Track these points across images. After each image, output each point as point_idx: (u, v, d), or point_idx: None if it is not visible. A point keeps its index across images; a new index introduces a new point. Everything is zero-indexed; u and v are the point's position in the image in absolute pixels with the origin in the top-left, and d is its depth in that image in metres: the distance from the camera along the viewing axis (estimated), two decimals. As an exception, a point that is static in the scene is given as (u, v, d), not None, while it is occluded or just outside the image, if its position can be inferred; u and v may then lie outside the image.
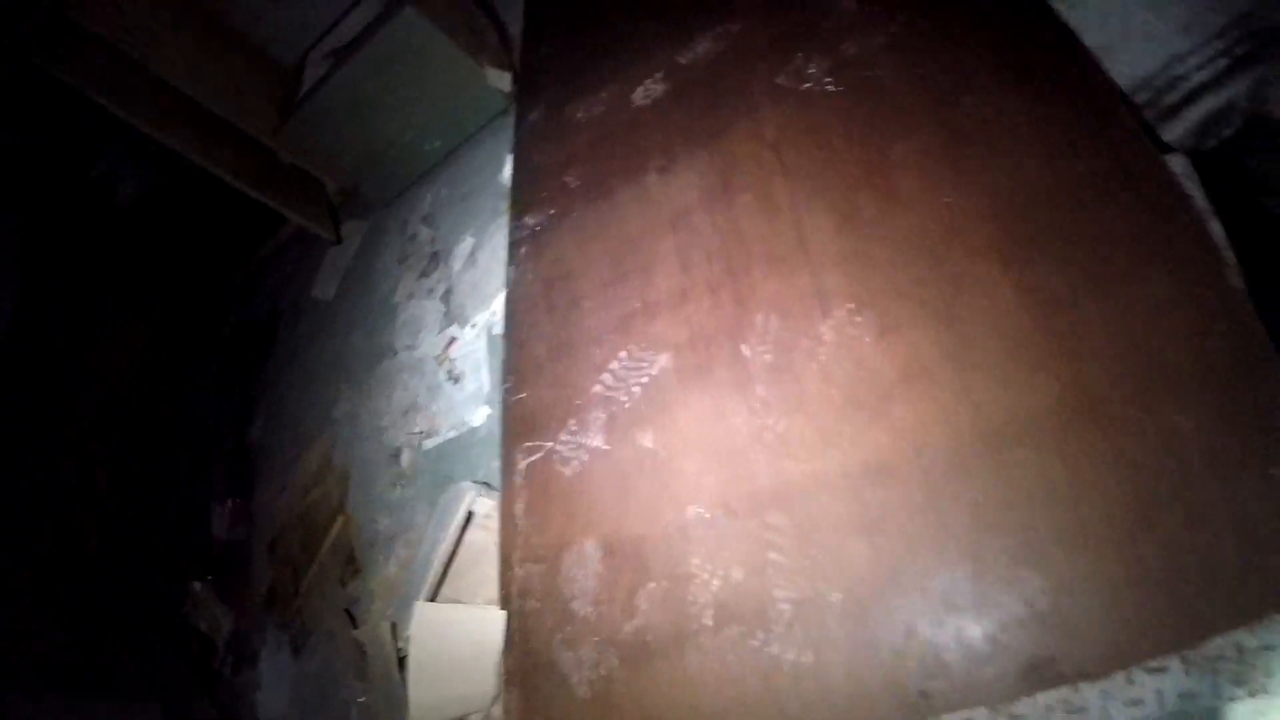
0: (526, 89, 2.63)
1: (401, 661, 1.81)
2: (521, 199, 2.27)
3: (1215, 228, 1.32)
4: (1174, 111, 1.64)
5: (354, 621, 2.19)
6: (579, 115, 2.27)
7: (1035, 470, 1.21)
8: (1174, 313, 1.24)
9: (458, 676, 1.71)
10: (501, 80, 2.80)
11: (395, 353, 2.57)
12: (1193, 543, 1.09)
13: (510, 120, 2.61)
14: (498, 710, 1.73)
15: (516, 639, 1.62)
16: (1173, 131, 1.64)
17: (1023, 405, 1.26)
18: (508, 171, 2.47)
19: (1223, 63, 1.62)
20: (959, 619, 1.18)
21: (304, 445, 2.71)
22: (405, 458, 2.31)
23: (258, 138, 3.15)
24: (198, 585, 2.89)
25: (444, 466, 2.19)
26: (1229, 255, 1.28)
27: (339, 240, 3.30)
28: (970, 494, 1.24)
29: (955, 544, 1.22)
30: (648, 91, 2.14)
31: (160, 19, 2.86)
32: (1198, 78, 1.62)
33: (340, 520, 2.47)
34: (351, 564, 2.39)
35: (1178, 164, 1.43)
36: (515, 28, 3.03)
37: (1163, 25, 1.67)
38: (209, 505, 2.96)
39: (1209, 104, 1.63)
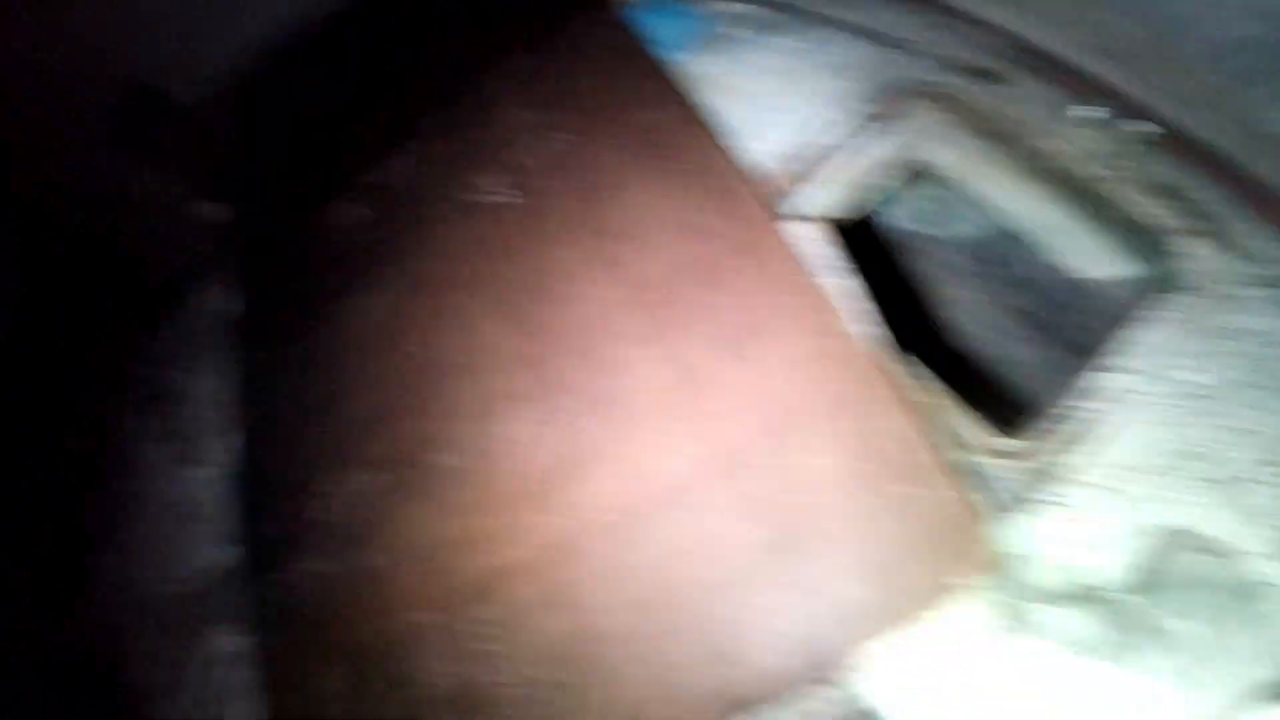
0: (243, 221, 2.65)
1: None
2: (244, 331, 2.31)
3: (841, 281, 1.57)
4: (816, 177, 1.83)
5: None
6: (291, 240, 2.33)
7: (694, 528, 1.40)
8: (803, 363, 1.47)
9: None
10: (217, 213, 2.79)
11: (128, 504, 2.50)
12: (855, 555, 1.30)
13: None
14: None
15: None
16: (814, 197, 1.83)
17: (676, 471, 1.45)
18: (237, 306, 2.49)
19: (860, 126, 1.85)
20: (655, 674, 1.34)
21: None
22: (168, 609, 2.26)
23: None
24: None
25: (192, 614, 2.16)
26: (855, 304, 1.52)
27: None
28: (641, 556, 1.41)
29: (633, 604, 1.39)
30: (346, 212, 2.22)
31: None
32: (840, 142, 1.85)
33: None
34: None
35: (807, 230, 1.69)
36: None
37: (806, 99, 1.91)
38: None
39: (853, 165, 1.85)
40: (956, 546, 1.27)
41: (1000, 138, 1.75)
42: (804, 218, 1.74)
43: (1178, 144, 1.58)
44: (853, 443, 1.37)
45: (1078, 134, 1.65)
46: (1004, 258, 2.36)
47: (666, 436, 1.49)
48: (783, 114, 1.93)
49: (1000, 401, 2.91)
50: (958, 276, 2.66)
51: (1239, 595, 1.25)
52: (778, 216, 1.67)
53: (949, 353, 2.83)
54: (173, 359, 2.65)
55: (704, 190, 1.75)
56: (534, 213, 1.91)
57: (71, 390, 2.84)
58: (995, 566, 1.26)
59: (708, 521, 1.40)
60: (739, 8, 2.20)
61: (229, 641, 1.93)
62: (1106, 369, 1.42)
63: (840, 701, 1.28)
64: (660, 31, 2.21)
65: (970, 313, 2.76)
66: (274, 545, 1.87)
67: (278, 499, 1.92)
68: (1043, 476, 1.37)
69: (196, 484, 2.32)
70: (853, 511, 1.33)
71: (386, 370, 1.87)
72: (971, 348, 2.83)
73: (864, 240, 2.75)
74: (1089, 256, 1.70)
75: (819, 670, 1.27)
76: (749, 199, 1.70)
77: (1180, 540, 1.30)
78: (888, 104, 1.87)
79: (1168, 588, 1.28)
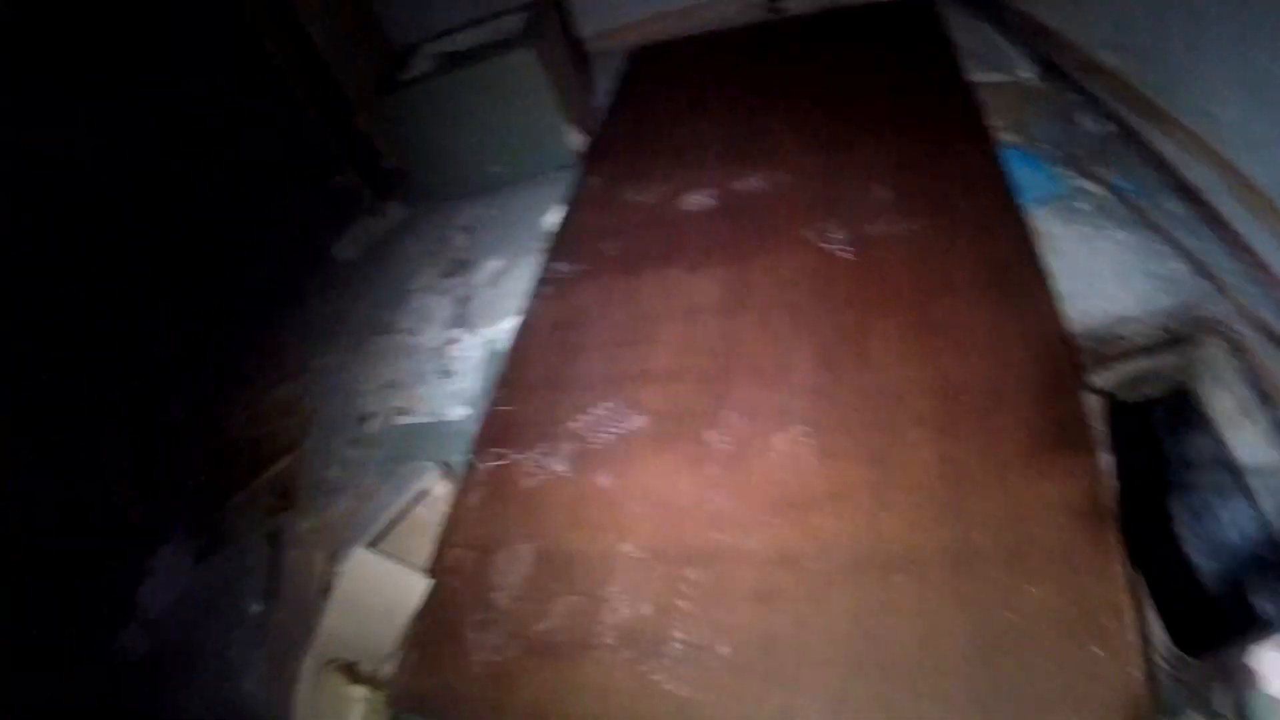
0: (594, 157, 2.96)
1: (324, 592, 1.98)
2: (561, 247, 2.57)
3: (1106, 458, 1.64)
4: (1107, 362, 1.95)
5: (273, 548, 2.35)
6: (632, 197, 2.60)
7: (914, 596, 1.49)
8: (1052, 507, 1.54)
9: (371, 622, 1.89)
10: (577, 141, 3.13)
11: (396, 332, 2.79)
12: (1023, 688, 1.34)
13: (567, 177, 2.92)
14: (387, 668, 1.90)
15: (433, 608, 1.83)
16: (1103, 378, 1.94)
17: (917, 544, 1.55)
18: (550, 218, 2.77)
19: (1161, 335, 1.95)
20: (819, 696, 1.42)
21: (280, 379, 2.88)
22: (374, 424, 2.51)
23: (345, 93, 3.47)
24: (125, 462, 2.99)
25: (408, 444, 2.39)
26: (1112, 480, 1.58)
27: (379, 211, 3.55)
28: (855, 597, 1.51)
29: (832, 632, 1.49)
30: (697, 201, 2.48)
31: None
32: (1137, 342, 1.95)
33: (291, 456, 2.64)
34: (284, 499, 2.54)
35: (1092, 400, 1.78)
36: (600, 101, 3.39)
37: (1120, 292, 2.03)
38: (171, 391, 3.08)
39: (1140, 365, 1.97)
40: (1113, 713, 1.29)
41: (1269, 399, 1.80)
42: (1095, 396, 1.83)
43: None
44: (1067, 590, 1.43)
45: None
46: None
47: (920, 513, 1.59)
48: (1098, 295, 2.02)
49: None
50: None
51: None
52: (1081, 383, 1.77)
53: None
54: (479, 235, 2.96)
55: (1023, 324, 1.85)
56: (868, 278, 2.08)
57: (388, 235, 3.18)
58: None
59: (925, 596, 1.48)
60: (1095, 188, 2.33)
61: (438, 487, 2.15)
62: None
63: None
64: (1025, 179, 2.35)
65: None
66: (520, 428, 2.09)
67: (542, 395, 2.14)
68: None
69: (460, 344, 2.59)
70: (1043, 645, 1.37)
71: (692, 342, 2.07)
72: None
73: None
74: None
75: None
76: (1063, 358, 1.79)
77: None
78: (1184, 324, 1.95)
79: None
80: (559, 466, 1.95)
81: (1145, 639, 1.46)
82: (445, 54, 3.30)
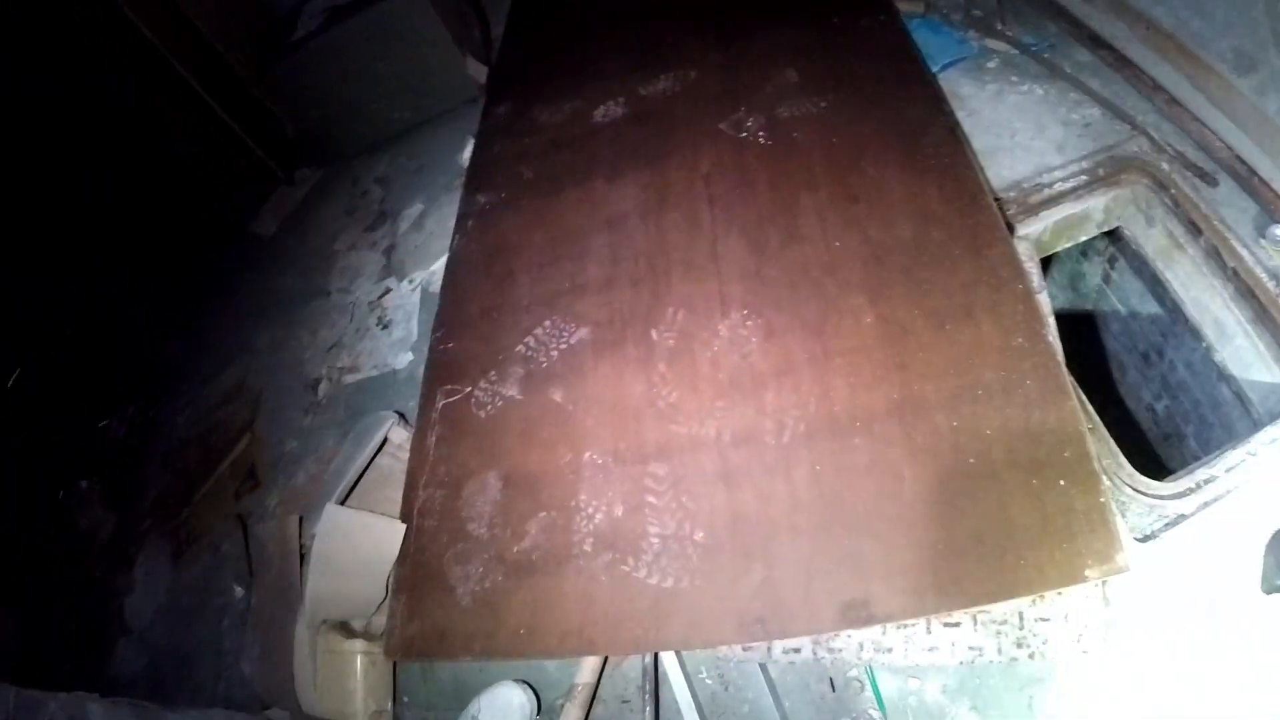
0: (498, 85, 2.87)
1: (302, 558, 1.97)
2: (477, 178, 2.51)
3: (1043, 299, 1.67)
4: (1035, 210, 1.99)
5: (245, 529, 2.32)
6: (542, 118, 2.53)
7: (868, 453, 1.51)
8: (993, 351, 1.56)
9: (354, 578, 1.87)
10: (478, 72, 3.03)
11: (328, 294, 2.72)
12: (990, 525, 1.37)
13: (476, 109, 2.83)
14: (379, 619, 1.91)
15: (412, 552, 1.82)
16: (1031, 227, 1.99)
17: (865, 404, 1.57)
18: (466, 154, 2.69)
19: (1084, 179, 1.98)
20: (793, 562, 1.46)
21: (221, 367, 2.81)
22: (323, 389, 2.46)
23: (235, 68, 3.31)
24: (84, 483, 2.92)
25: (360, 400, 2.36)
26: (1049, 320, 1.62)
27: (290, 180, 3.43)
28: (813, 464, 1.53)
29: (795, 500, 1.51)
30: (608, 111, 2.42)
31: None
32: (1060, 188, 1.99)
33: (246, 439, 2.59)
34: (250, 479, 2.51)
35: (1023, 247, 1.79)
36: (497, 30, 3.28)
37: (1040, 142, 2.06)
38: (113, 408, 3.00)
39: (1066, 209, 2.00)
40: (1090, 543, 1.33)
41: (1195, 229, 1.84)
42: (1023, 239, 1.86)
43: None
44: (1021, 427, 1.46)
45: (1264, 248, 1.72)
46: (1150, 356, 2.47)
47: (864, 374, 1.60)
48: (1019, 149, 2.06)
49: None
50: (1127, 353, 2.75)
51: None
52: (1006, 230, 1.78)
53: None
54: (394, 183, 2.89)
55: (945, 187, 1.85)
56: (786, 159, 2.06)
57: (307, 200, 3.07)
58: (1120, 570, 1.31)
59: (881, 450, 1.51)
60: (1002, 46, 2.33)
61: (396, 434, 2.13)
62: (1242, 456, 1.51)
63: (958, 644, 1.41)
64: (932, 46, 2.35)
65: (1105, 397, 2.84)
66: (465, 362, 2.06)
67: (481, 326, 2.10)
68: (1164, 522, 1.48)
69: (393, 294, 2.55)
70: (1005, 482, 1.41)
71: (624, 249, 2.04)
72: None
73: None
74: (1245, 360, 1.81)
75: (946, 608, 1.37)
76: (984, 207, 1.79)
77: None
78: (1108, 169, 1.98)
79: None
80: (510, 391, 1.93)
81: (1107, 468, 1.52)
82: (330, 8, 3.16)
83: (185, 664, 2.21)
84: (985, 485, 1.42)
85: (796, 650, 1.47)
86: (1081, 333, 2.85)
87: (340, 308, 2.68)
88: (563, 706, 1.61)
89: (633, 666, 1.66)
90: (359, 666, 1.84)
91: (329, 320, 2.67)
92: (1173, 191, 1.90)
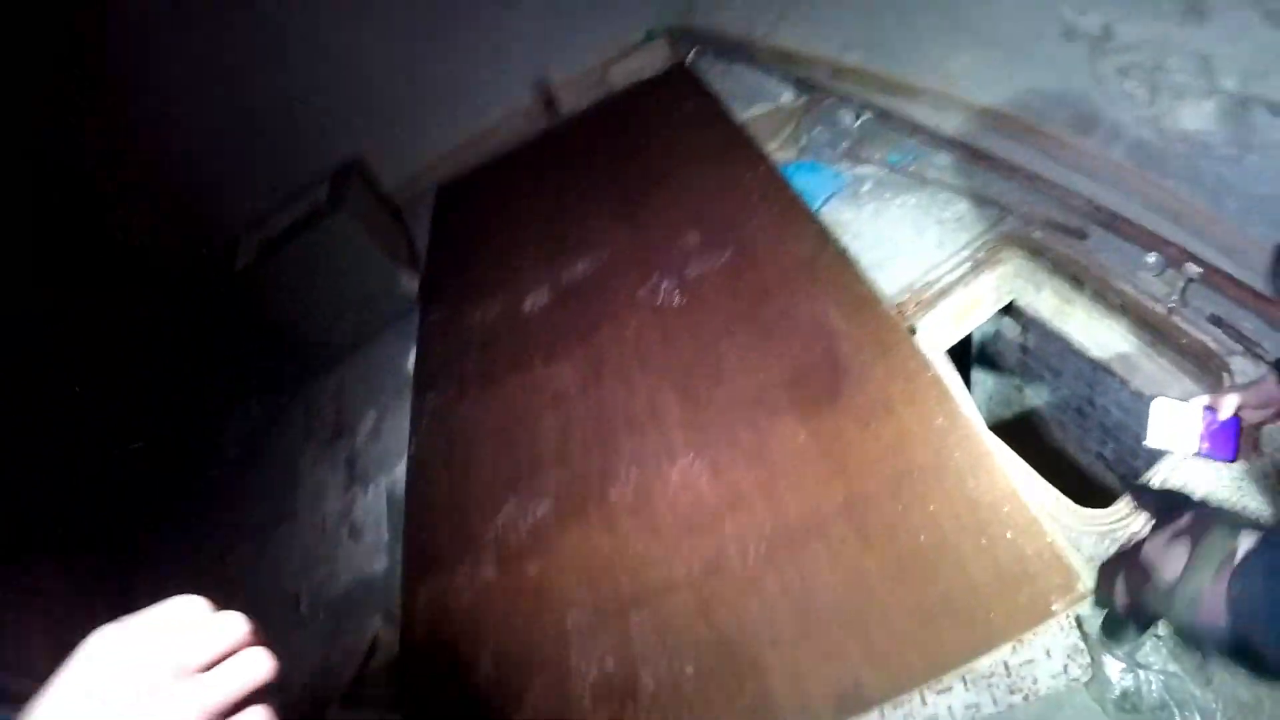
0: (430, 291, 3.10)
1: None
2: (424, 380, 2.67)
3: (953, 379, 1.87)
4: (931, 304, 2.19)
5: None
6: (476, 316, 2.74)
7: (827, 554, 1.63)
8: (919, 436, 1.73)
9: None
10: (411, 282, 3.27)
11: (297, 515, 2.80)
12: (954, 590, 1.49)
13: (414, 317, 3.04)
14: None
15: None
16: (930, 319, 2.19)
17: (815, 512, 1.69)
18: (411, 359, 2.86)
19: (968, 266, 2.20)
20: (781, 670, 1.53)
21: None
22: (304, 603, 2.50)
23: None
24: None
25: (343, 610, 2.40)
26: (964, 396, 1.81)
27: (249, 407, 3.53)
28: (780, 577, 1.64)
29: (771, 614, 1.60)
30: (535, 301, 2.64)
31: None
32: (948, 279, 2.20)
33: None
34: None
35: (924, 339, 2.03)
36: (421, 239, 3.54)
37: (921, 244, 2.29)
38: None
39: (958, 297, 2.19)
40: (1048, 580, 1.45)
41: (1078, 282, 2.05)
42: (924, 332, 2.09)
43: (1221, 280, 1.80)
44: (959, 496, 1.60)
45: (1142, 278, 1.90)
46: (1084, 409, 2.66)
47: (806, 485, 1.74)
48: (904, 256, 2.28)
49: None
50: (1063, 411, 2.94)
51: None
52: (906, 330, 2.00)
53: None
54: (352, 398, 3.03)
55: (845, 306, 2.07)
56: (701, 313, 2.27)
57: (263, 428, 3.21)
58: (1083, 597, 1.42)
59: (838, 548, 1.62)
60: (870, 170, 2.64)
61: (385, 633, 2.18)
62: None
63: (955, 708, 1.46)
64: (811, 185, 2.65)
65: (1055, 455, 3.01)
66: (439, 555, 2.15)
67: (450, 518, 2.20)
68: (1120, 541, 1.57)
69: (360, 503, 2.64)
70: (958, 548, 1.53)
71: (571, 423, 2.18)
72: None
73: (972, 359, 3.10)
74: (1158, 381, 1.95)
75: (933, 676, 1.45)
76: (882, 314, 2.01)
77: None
78: (988, 251, 2.21)
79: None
80: (487, 573, 2.01)
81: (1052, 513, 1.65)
82: (264, 240, 3.38)
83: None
84: (940, 555, 1.54)
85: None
86: (1016, 402, 3.06)
87: (312, 525, 2.74)
88: None
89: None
90: None
91: (301, 536, 2.72)
92: (1049, 255, 2.11)
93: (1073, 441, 2.88)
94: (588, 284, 2.60)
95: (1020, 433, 3.14)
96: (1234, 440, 1.48)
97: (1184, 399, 1.82)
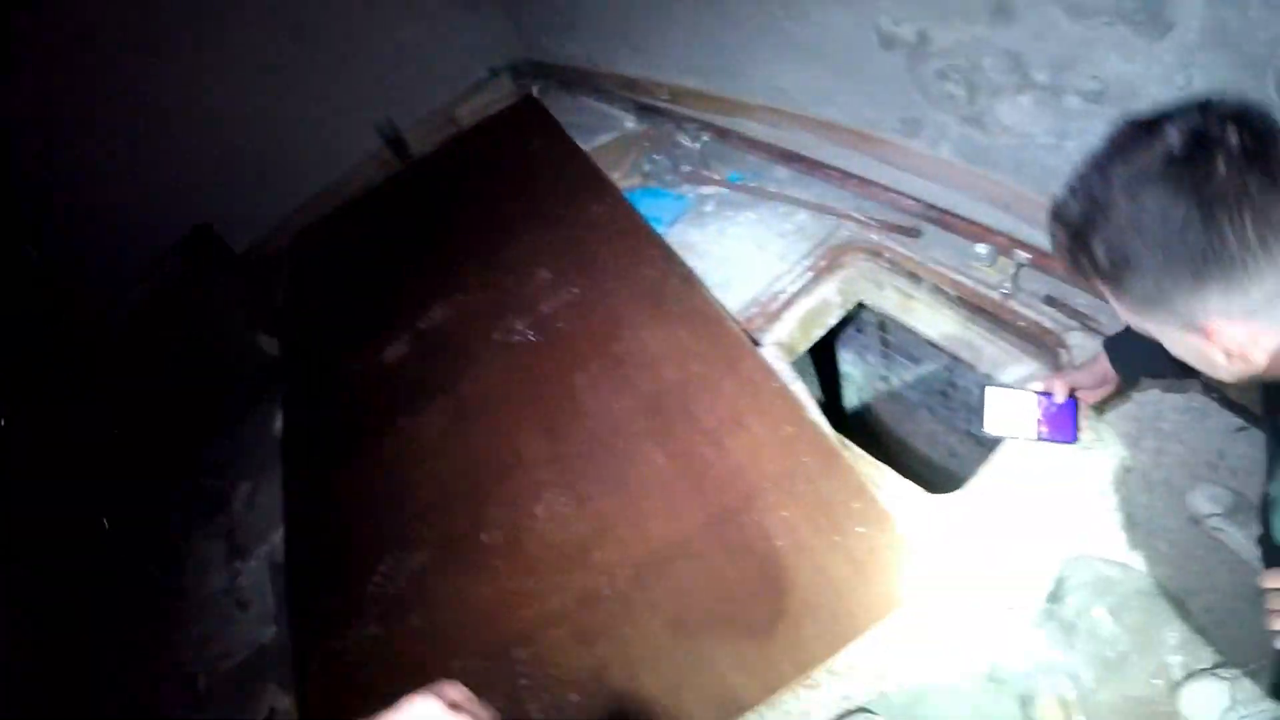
0: (292, 353, 3.08)
1: None
2: (293, 445, 2.67)
3: (800, 387, 2.01)
4: (778, 315, 2.32)
5: None
6: (340, 373, 2.74)
7: (692, 572, 1.75)
8: (769, 447, 1.86)
9: None
10: (271, 346, 3.23)
11: (185, 593, 2.74)
12: (815, 590, 1.61)
13: (278, 381, 3.01)
14: None
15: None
16: (780, 329, 2.30)
17: (678, 531, 1.81)
18: (278, 424, 2.85)
19: (810, 275, 2.35)
20: (659, 687, 1.63)
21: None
22: (201, 683, 2.46)
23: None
24: None
25: (241, 683, 2.37)
26: (810, 403, 1.95)
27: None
28: (649, 600, 1.74)
29: (645, 636, 1.70)
30: (395, 351, 2.66)
31: None
32: (792, 289, 2.34)
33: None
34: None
35: (770, 351, 2.15)
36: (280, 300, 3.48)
37: (765, 257, 2.42)
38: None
39: (804, 305, 2.33)
40: (901, 570, 1.60)
41: (915, 278, 2.22)
42: (772, 344, 2.21)
43: (1051, 263, 1.98)
44: (811, 499, 1.74)
45: (975, 268, 2.08)
46: (948, 391, 2.88)
47: (669, 506, 1.85)
48: (749, 271, 2.41)
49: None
50: (914, 411, 3.13)
51: (1134, 595, 1.56)
52: (751, 344, 2.13)
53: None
54: (225, 470, 2.98)
55: (693, 327, 2.19)
56: (556, 348, 2.36)
57: (138, 498, 3.08)
58: (933, 584, 1.59)
59: (702, 564, 1.74)
60: (712, 190, 2.78)
61: (280, 701, 2.18)
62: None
63: (827, 702, 1.57)
64: (656, 209, 2.78)
65: (928, 437, 3.22)
66: (323, 618, 2.16)
67: (330, 579, 2.22)
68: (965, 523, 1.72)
69: (244, 574, 2.61)
70: (814, 549, 1.67)
71: (438, 473, 2.23)
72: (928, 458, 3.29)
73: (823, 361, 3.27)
74: (999, 362, 2.08)
75: (801, 674, 1.56)
76: (729, 332, 2.15)
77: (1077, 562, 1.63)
78: (828, 258, 2.37)
79: (1071, 593, 1.60)
80: (374, 629, 2.04)
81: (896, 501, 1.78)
82: (127, 313, 3.28)
83: None
84: (799, 558, 1.68)
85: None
86: (884, 391, 3.26)
87: (199, 601, 2.69)
88: None
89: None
90: None
91: (191, 617, 2.67)
92: (887, 255, 2.28)
93: (941, 422, 3.08)
94: (445, 330, 2.65)
95: (891, 418, 3.36)
96: (1072, 422, 1.62)
97: (1027, 379, 1.98)
